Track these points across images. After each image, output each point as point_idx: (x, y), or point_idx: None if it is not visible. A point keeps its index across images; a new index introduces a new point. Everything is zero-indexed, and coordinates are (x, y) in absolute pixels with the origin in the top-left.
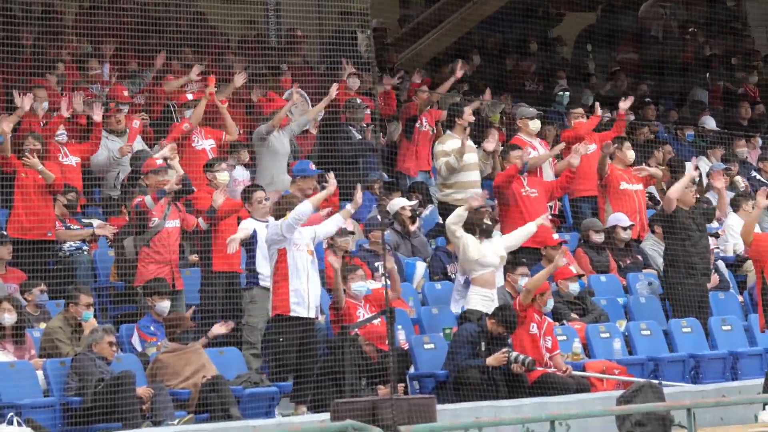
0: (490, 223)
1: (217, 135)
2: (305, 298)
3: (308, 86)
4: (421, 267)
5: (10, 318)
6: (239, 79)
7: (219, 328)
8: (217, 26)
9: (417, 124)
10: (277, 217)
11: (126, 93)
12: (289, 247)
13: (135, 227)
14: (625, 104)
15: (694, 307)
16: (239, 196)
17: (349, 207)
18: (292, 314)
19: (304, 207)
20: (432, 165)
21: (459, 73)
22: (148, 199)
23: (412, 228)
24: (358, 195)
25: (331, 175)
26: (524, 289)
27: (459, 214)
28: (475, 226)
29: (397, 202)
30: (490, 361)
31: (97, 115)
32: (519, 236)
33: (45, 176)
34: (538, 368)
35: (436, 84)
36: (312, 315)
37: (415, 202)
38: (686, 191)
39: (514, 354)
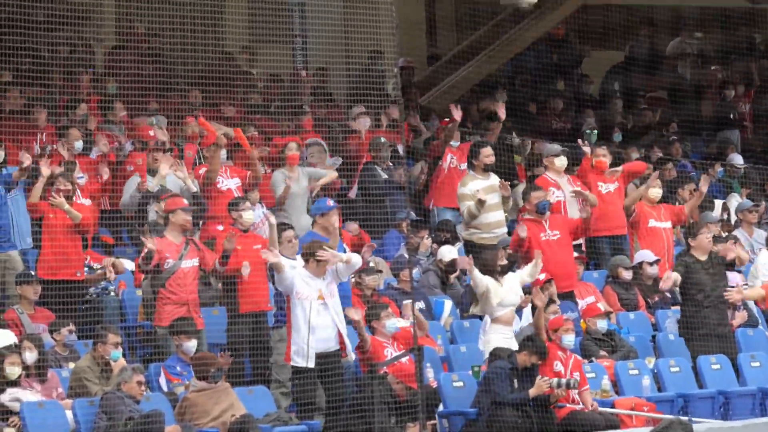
0: (506, 262)
1: (243, 174)
2: (304, 349)
3: (332, 123)
4: (448, 305)
5: (31, 356)
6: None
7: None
8: (241, 65)
9: (442, 163)
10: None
11: (151, 133)
12: (292, 298)
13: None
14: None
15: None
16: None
17: (355, 259)
18: (291, 363)
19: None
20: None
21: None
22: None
23: (451, 279)
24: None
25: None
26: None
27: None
28: (491, 267)
29: (442, 253)
30: (534, 391)
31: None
32: (529, 272)
33: (72, 216)
34: (567, 405)
35: (464, 121)
36: (310, 365)
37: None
38: (703, 238)
39: (556, 380)
